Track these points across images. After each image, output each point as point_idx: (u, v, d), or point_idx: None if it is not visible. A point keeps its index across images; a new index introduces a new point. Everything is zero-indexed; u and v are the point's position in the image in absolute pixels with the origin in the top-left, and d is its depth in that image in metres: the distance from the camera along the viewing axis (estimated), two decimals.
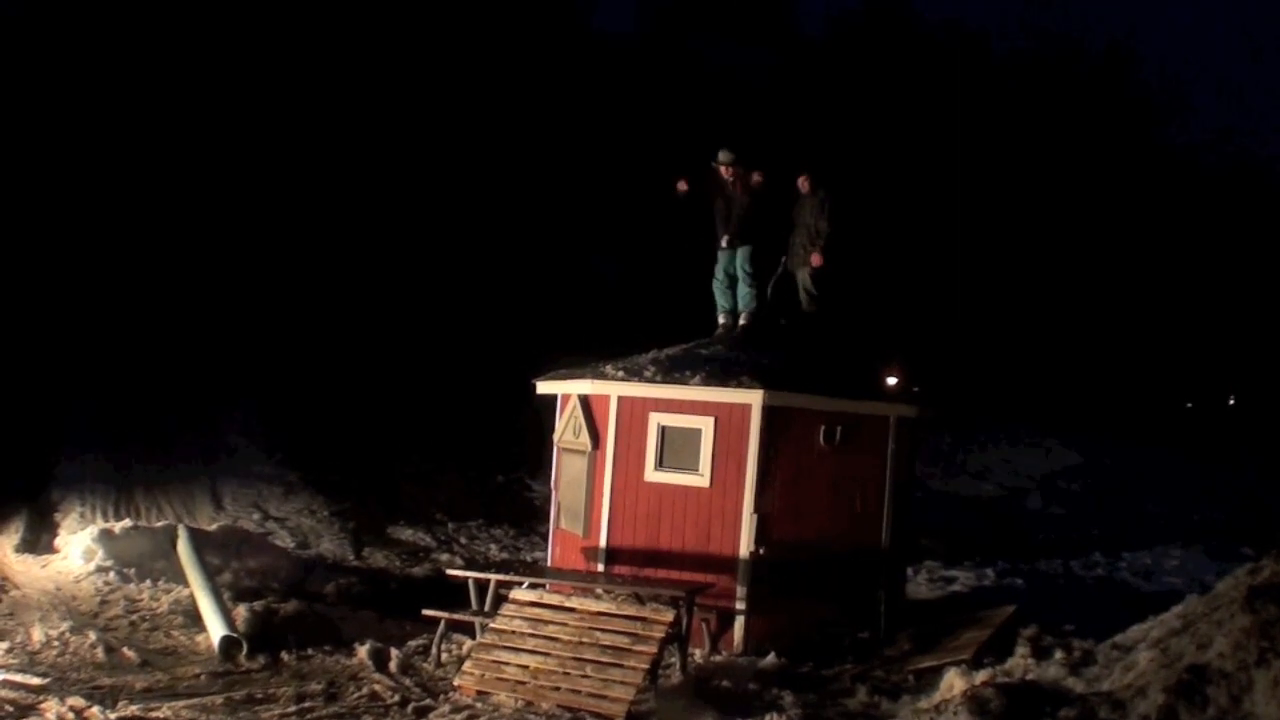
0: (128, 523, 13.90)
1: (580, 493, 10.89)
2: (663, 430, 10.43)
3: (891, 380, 11.19)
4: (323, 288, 22.70)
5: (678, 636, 8.92)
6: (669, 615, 8.63)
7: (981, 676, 8.21)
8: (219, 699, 8.24)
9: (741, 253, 11.68)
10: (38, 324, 18.22)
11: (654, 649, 8.34)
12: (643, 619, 8.62)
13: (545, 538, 12.21)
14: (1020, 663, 8.91)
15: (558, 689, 8.21)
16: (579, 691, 8.13)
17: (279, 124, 24.49)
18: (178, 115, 23.70)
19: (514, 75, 26.98)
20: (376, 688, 8.77)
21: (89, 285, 20.64)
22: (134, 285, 21.17)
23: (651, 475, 10.43)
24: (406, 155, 25.31)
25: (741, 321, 11.79)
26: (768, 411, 10.09)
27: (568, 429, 11.20)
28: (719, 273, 11.88)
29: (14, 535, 14.22)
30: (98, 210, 22.26)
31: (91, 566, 12.50)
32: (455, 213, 25.03)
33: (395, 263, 23.78)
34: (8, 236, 20.61)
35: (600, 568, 10.45)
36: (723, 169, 11.63)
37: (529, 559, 14.47)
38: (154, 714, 7.83)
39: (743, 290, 11.73)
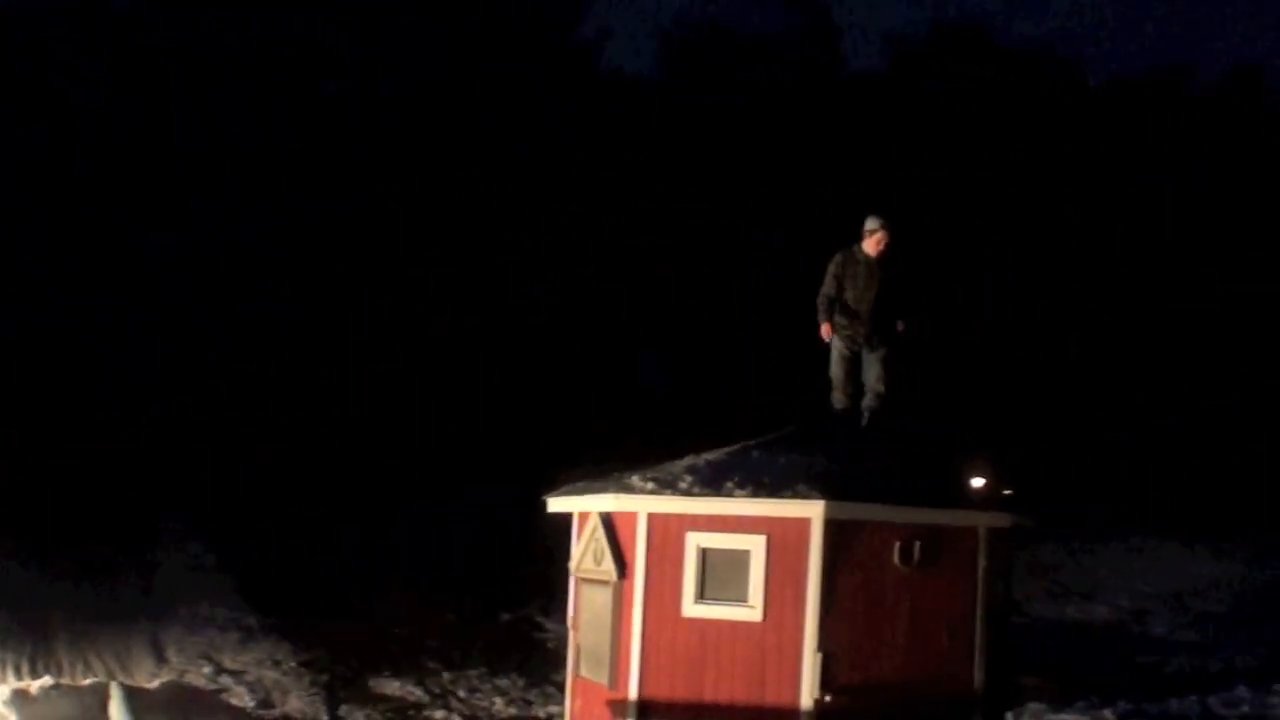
0: (47, 680, 12.71)
1: (604, 633, 9.30)
2: (703, 553, 8.90)
3: (979, 482, 9.36)
4: (289, 379, 20.84)
5: None
6: None
7: None
8: None
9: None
10: None
11: None
12: None
13: (562, 689, 10.76)
14: None
15: None
16: None
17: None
18: None
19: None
20: None
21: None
22: (60, 398, 19.70)
23: (691, 609, 8.90)
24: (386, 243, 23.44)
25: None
26: (831, 526, 8.54)
27: (587, 555, 9.66)
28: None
29: None
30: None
31: None
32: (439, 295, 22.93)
33: (374, 356, 21.66)
34: None
35: None
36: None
37: (543, 716, 12.79)
38: None
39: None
